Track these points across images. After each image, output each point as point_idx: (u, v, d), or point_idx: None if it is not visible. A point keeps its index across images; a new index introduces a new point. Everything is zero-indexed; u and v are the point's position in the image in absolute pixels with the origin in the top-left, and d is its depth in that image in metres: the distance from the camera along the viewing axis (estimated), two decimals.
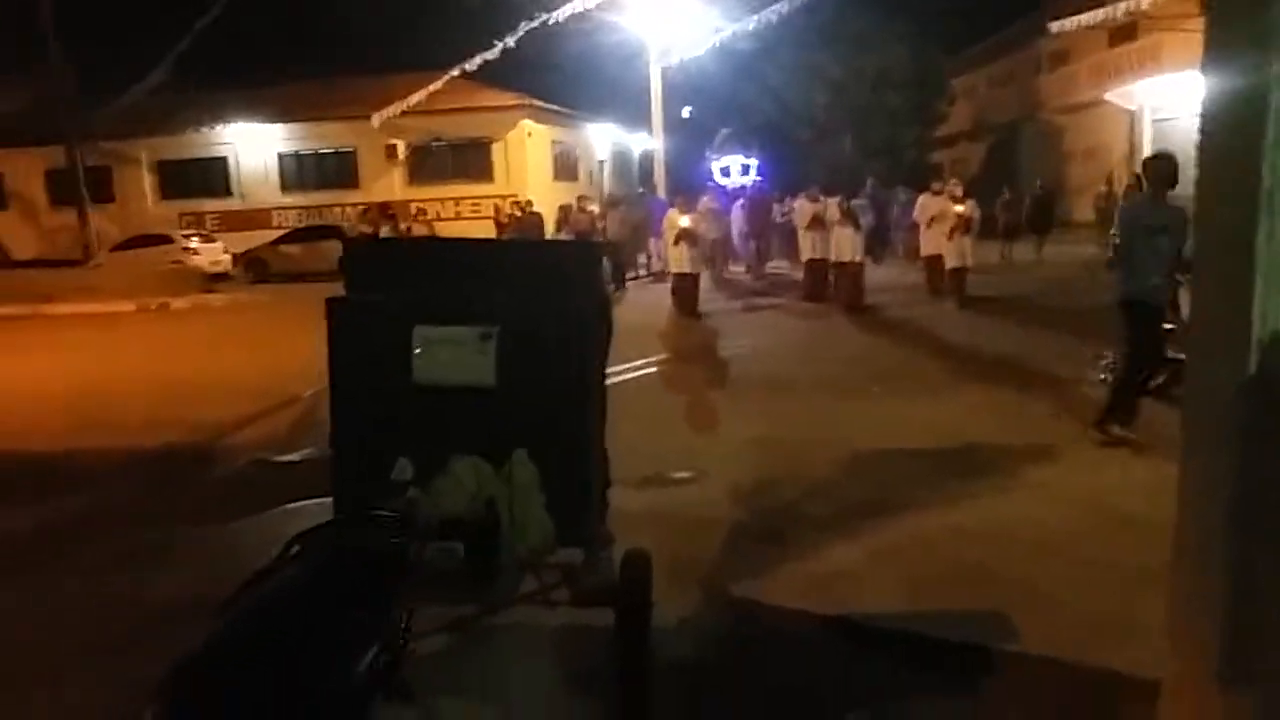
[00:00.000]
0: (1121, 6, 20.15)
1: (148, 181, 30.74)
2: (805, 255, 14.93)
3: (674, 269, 13.68)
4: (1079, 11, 21.79)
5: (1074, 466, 5.60)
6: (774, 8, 21.03)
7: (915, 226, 17.77)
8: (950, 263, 13.32)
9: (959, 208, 13.34)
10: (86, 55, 26.08)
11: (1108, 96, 27.65)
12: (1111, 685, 2.93)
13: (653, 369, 9.66)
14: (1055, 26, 22.30)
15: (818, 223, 14.39)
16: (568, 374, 3.16)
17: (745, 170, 25.77)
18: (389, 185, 28.71)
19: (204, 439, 7.62)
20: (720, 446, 6.56)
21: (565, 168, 30.90)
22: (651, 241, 19.28)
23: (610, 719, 3.20)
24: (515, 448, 3.13)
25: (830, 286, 14.24)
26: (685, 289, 13.51)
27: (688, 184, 21.03)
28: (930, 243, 14.16)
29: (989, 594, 3.75)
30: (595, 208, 19.62)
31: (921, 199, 14.89)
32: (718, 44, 22.88)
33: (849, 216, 13.31)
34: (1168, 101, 26.21)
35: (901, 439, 6.45)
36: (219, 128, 29.35)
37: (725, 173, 25.92)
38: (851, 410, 7.43)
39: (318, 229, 24.30)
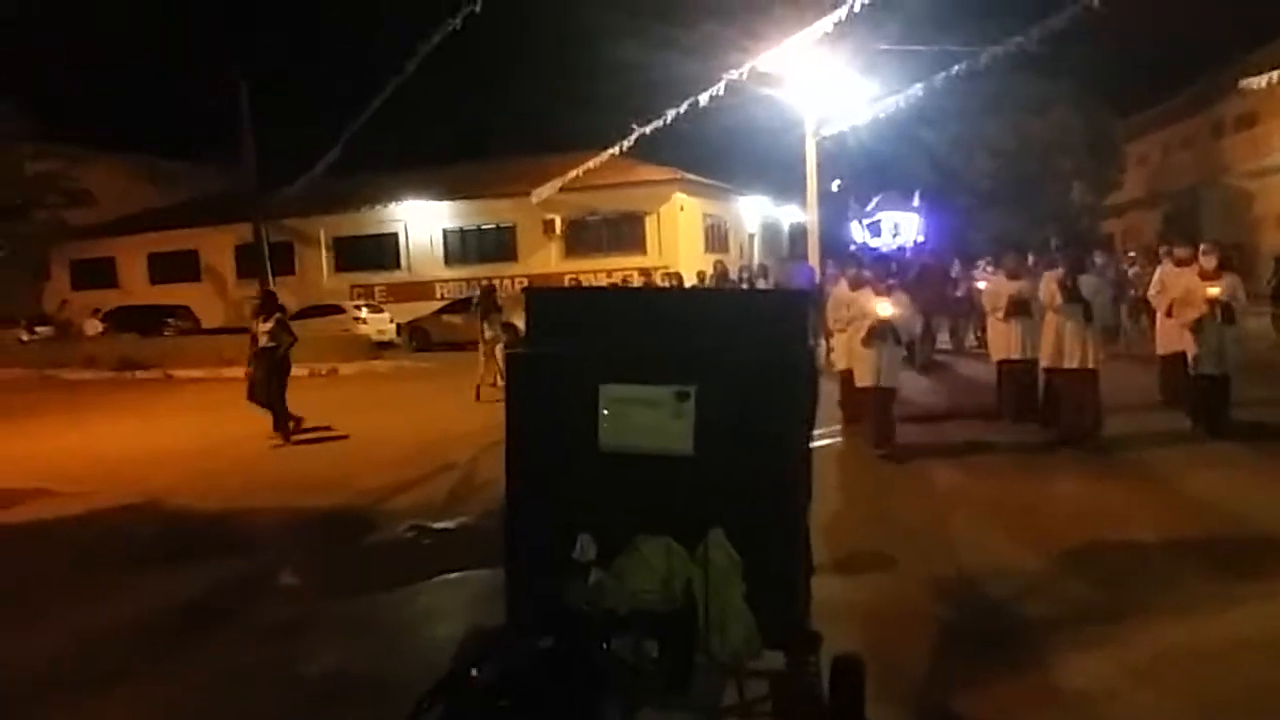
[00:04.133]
0: None
1: (324, 256, 32.69)
2: (1000, 354, 9.90)
3: (864, 379, 8.46)
4: (1271, 69, 20.14)
5: None
6: (936, 77, 20.43)
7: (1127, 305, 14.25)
8: (1199, 366, 8.46)
9: (1213, 288, 8.30)
10: (272, 139, 28.18)
11: None
12: None
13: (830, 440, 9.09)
14: (1247, 84, 20.63)
15: (1019, 308, 9.55)
16: (774, 442, 2.72)
17: (897, 231, 20.68)
18: (546, 258, 29.41)
19: (364, 503, 7.59)
20: (911, 532, 5.91)
21: (716, 239, 30.89)
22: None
23: None
24: (711, 527, 2.71)
25: (1031, 400, 9.50)
26: (881, 410, 8.47)
27: (833, 253, 18.62)
28: (1173, 336, 9.13)
29: None
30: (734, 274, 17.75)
31: (1161, 272, 9.79)
32: (876, 116, 22.36)
33: (1076, 300, 8.22)
34: None
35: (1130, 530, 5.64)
36: (391, 206, 31.01)
37: (874, 231, 20.78)
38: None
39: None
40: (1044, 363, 8.70)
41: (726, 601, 2.69)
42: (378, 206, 31.03)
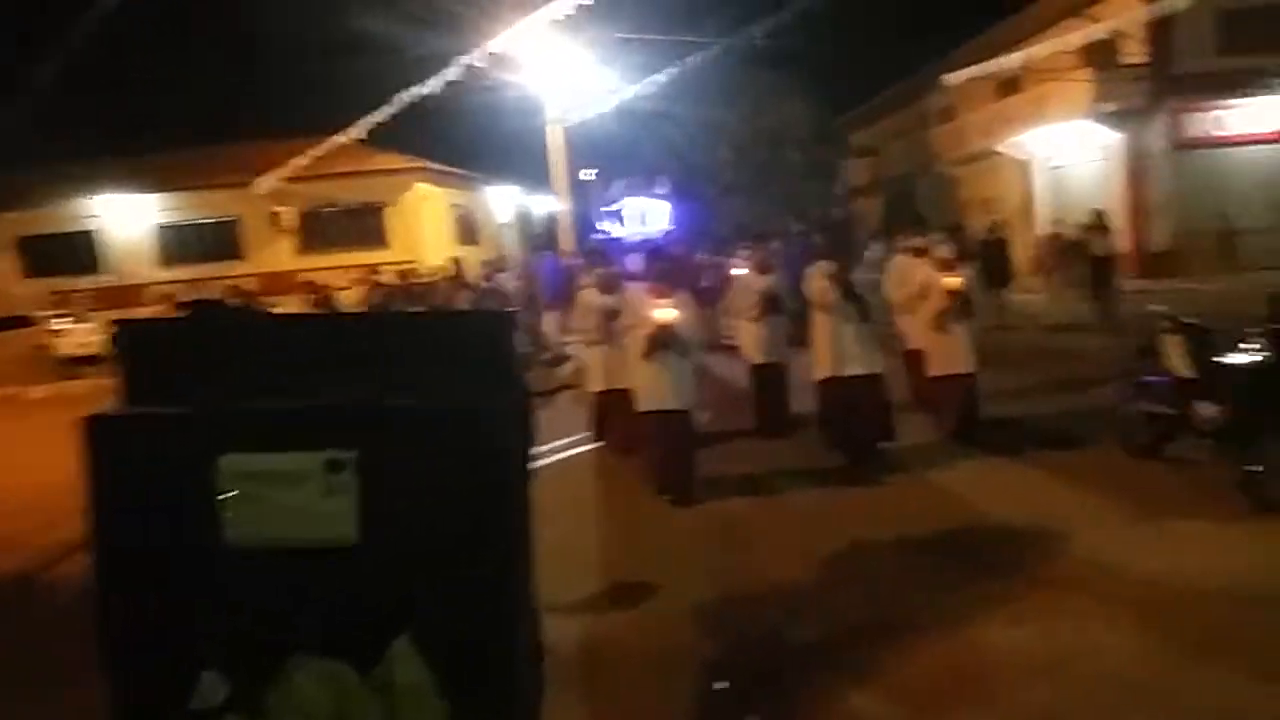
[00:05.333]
0: (1012, 58, 20.31)
1: (11, 259, 28.25)
2: (756, 358, 8.59)
3: (647, 402, 6.71)
4: (969, 65, 22.09)
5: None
6: (671, 69, 20.66)
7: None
8: (939, 366, 7.64)
9: (952, 280, 7.55)
10: None
11: (999, 148, 28.19)
12: None
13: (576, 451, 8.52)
14: (949, 79, 22.51)
15: (773, 305, 8.38)
16: (477, 510, 2.06)
17: (644, 219, 19.05)
18: (277, 255, 27.02)
19: (31, 566, 6.16)
20: (671, 558, 5.45)
21: (465, 231, 29.74)
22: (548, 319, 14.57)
23: None
24: (394, 635, 2.01)
25: (786, 406, 8.55)
26: (672, 442, 6.64)
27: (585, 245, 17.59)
28: (918, 333, 8.08)
29: None
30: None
31: (899, 261, 8.59)
32: (618, 104, 22.32)
33: (852, 297, 7.05)
34: (1058, 150, 26.85)
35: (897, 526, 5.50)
36: (88, 198, 27.29)
37: (618, 219, 19.02)
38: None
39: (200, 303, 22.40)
40: (820, 373, 7.26)
41: None
42: (66, 201, 27.22)
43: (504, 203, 33.30)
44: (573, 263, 15.02)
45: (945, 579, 4.62)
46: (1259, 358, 5.82)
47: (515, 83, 22.39)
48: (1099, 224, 15.06)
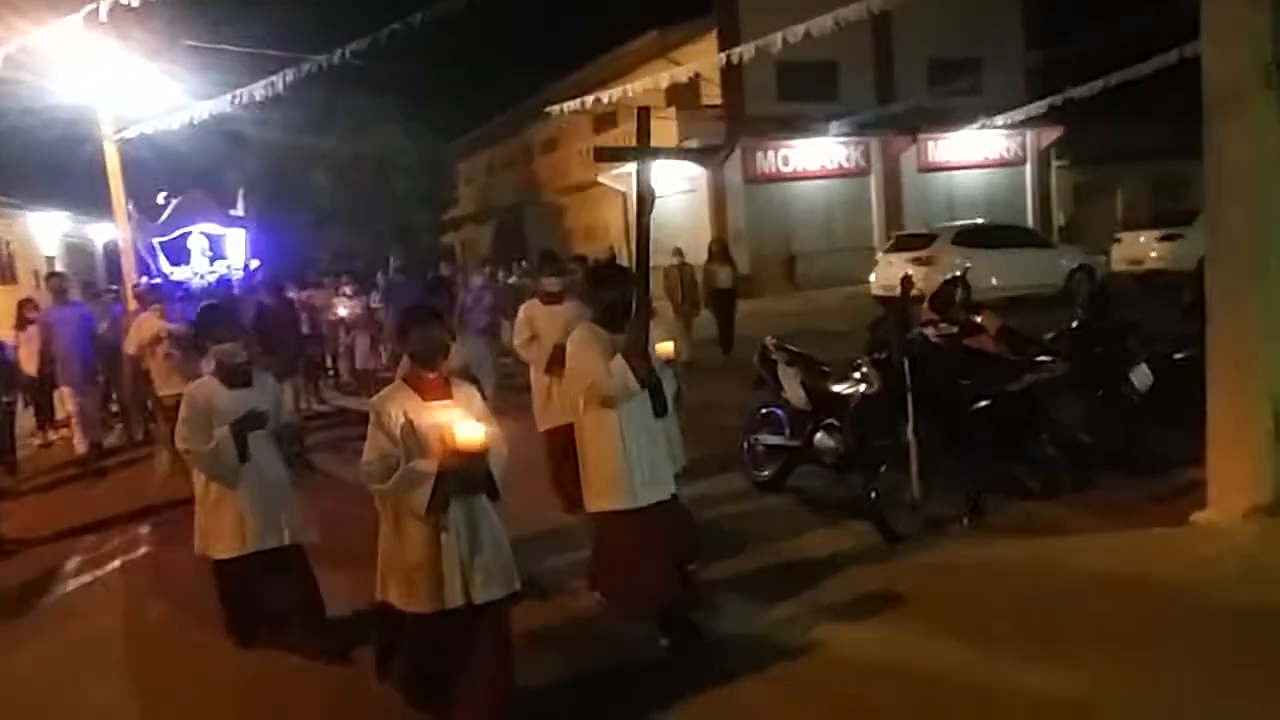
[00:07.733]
0: (605, 94, 21.04)
1: None
2: (548, 421, 6.31)
3: (432, 599, 3.46)
4: (569, 98, 22.65)
5: None
6: (259, 85, 18.56)
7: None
8: None
9: (664, 345, 4.42)
10: None
11: (600, 179, 29.41)
12: None
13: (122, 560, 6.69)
14: (551, 110, 22.86)
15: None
16: None
17: (217, 251, 14.57)
18: None
19: None
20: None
21: None
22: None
23: None
24: None
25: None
26: (484, 662, 3.55)
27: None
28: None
29: None
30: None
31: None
32: (195, 121, 19.58)
33: (648, 384, 4.13)
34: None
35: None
36: None
37: (177, 256, 14.23)
38: None
39: None
40: (599, 502, 4.22)
41: None
42: None
43: (49, 231, 28.12)
44: (144, 312, 10.43)
45: (594, 679, 3.97)
46: (868, 386, 5.97)
47: (56, 90, 18.79)
48: (722, 255, 14.24)
